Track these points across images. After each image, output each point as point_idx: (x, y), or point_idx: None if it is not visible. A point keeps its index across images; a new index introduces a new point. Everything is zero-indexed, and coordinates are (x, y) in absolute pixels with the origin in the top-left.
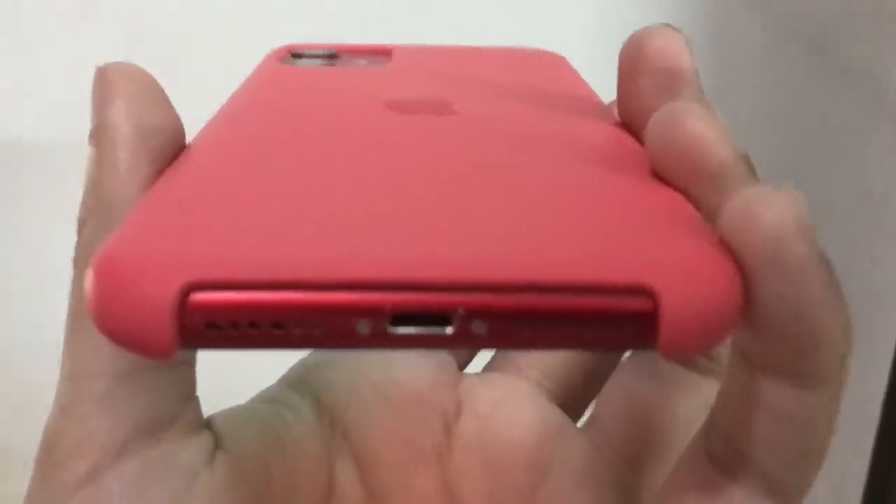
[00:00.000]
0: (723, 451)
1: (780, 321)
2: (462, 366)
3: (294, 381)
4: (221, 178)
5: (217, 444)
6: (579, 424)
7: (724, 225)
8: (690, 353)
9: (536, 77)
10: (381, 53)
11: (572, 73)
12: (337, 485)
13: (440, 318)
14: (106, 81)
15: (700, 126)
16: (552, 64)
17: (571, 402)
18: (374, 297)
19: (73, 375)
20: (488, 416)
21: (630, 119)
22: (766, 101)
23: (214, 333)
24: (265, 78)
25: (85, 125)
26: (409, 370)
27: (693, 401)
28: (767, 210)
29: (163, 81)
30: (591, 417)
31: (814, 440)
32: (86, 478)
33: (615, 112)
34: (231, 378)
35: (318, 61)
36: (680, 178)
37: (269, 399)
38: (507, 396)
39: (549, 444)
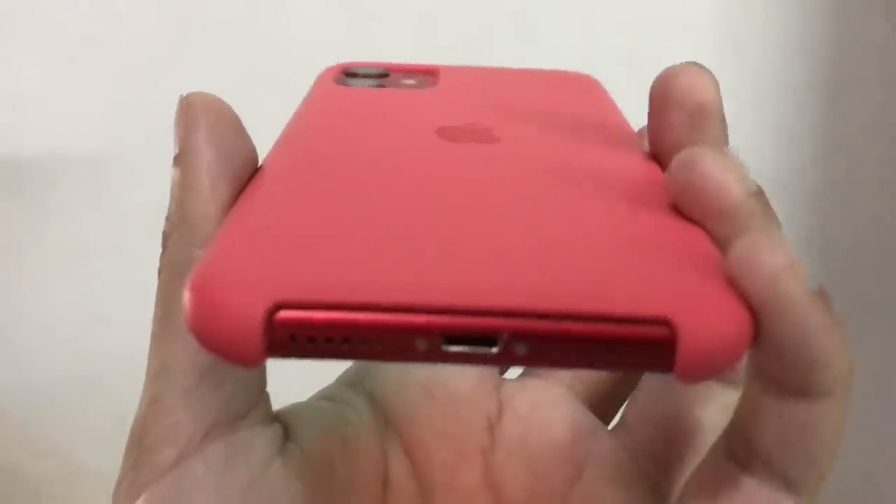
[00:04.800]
0: (743, 452)
1: (786, 348)
2: (502, 372)
3: (351, 381)
4: (296, 203)
5: (286, 437)
6: (610, 427)
7: (730, 269)
8: (702, 378)
9: (572, 102)
10: (429, 73)
11: (605, 97)
12: (392, 477)
13: (487, 339)
14: (189, 110)
15: (714, 170)
16: (587, 88)
17: (601, 404)
18: (430, 319)
19: (160, 373)
20: (528, 418)
21: (658, 150)
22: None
23: (295, 345)
24: (324, 101)
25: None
26: (453, 373)
27: (713, 407)
28: (765, 257)
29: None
30: (621, 421)
31: (824, 442)
32: (174, 461)
33: (645, 140)
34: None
35: (370, 81)
36: (697, 216)
37: (330, 397)
38: (544, 399)
39: (584, 443)
